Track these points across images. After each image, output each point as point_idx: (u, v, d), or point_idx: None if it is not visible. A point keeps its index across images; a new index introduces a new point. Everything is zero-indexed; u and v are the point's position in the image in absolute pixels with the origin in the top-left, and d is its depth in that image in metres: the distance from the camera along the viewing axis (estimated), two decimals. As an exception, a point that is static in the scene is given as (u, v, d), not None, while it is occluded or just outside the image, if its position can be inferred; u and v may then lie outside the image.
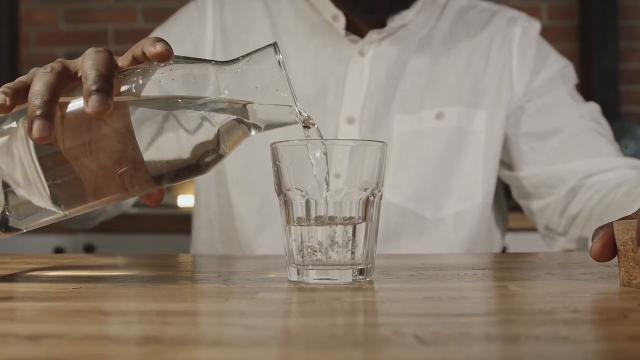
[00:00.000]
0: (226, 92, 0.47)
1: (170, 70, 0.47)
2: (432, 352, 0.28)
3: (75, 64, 0.49)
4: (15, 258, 0.67)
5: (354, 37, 0.92)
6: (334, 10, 0.91)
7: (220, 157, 0.48)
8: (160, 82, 0.46)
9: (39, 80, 0.46)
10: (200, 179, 0.97)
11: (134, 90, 0.46)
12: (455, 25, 0.96)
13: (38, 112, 0.44)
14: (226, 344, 0.30)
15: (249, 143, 0.91)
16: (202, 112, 0.46)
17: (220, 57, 0.92)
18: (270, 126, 0.49)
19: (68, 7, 2.33)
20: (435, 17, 0.96)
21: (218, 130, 0.47)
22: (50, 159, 0.46)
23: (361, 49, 0.91)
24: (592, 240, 0.48)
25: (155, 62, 0.48)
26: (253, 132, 0.49)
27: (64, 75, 0.47)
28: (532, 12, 2.33)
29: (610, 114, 2.29)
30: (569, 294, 0.43)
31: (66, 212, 0.48)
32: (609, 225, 0.48)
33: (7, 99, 0.46)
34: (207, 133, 0.47)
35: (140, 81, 0.47)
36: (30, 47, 2.32)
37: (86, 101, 0.44)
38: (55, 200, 0.47)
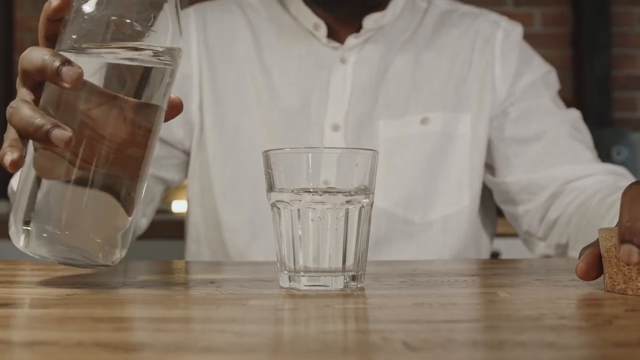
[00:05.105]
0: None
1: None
2: (419, 358, 0.29)
3: (24, 73, 0.50)
4: (10, 264, 0.67)
5: (336, 44, 0.93)
6: (315, 19, 0.92)
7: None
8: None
9: (18, 112, 0.47)
10: (188, 194, 0.98)
11: (78, 39, 0.48)
12: (437, 29, 0.96)
13: (45, 129, 0.45)
14: (217, 350, 0.31)
15: (235, 157, 0.93)
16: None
17: (205, 69, 0.95)
18: None
19: (63, 13, 2.33)
20: (417, 21, 0.97)
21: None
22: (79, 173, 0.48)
23: (342, 56, 0.92)
24: (579, 259, 0.50)
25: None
26: None
27: (31, 89, 0.49)
28: (526, 18, 2.36)
29: (603, 121, 2.31)
30: (557, 300, 0.44)
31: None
32: (595, 244, 0.49)
33: (16, 151, 0.47)
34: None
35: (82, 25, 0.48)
36: (25, 52, 2.32)
37: (59, 81, 0.46)
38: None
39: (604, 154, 2.02)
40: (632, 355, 0.29)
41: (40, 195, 0.48)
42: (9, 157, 0.47)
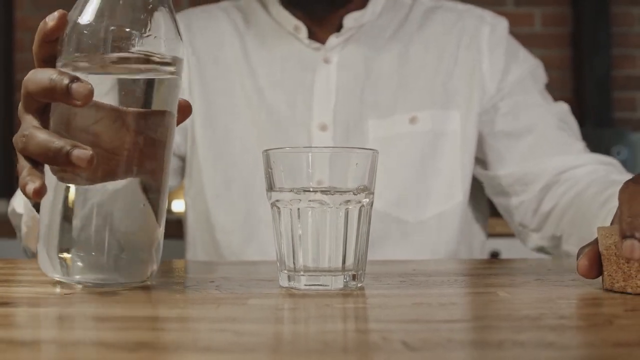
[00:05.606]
0: None
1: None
2: (419, 358, 0.29)
3: (29, 96, 0.49)
4: (8, 263, 0.67)
5: (317, 44, 0.93)
6: (294, 21, 0.93)
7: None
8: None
9: (32, 139, 0.46)
10: (185, 198, 0.98)
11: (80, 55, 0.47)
12: (422, 26, 0.97)
13: (65, 151, 0.45)
14: (217, 350, 0.31)
15: (226, 159, 0.93)
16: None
17: (194, 75, 0.95)
18: None
19: (63, 12, 2.33)
20: (401, 19, 0.97)
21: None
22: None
23: (325, 56, 0.93)
24: (577, 258, 0.49)
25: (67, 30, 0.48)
26: None
27: (36, 114, 0.49)
28: (526, 18, 2.36)
29: (603, 121, 2.31)
30: (557, 300, 0.44)
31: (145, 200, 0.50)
32: (594, 242, 0.49)
33: (37, 179, 0.46)
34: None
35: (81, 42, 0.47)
36: (25, 52, 2.32)
37: (70, 99, 0.45)
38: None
39: (604, 154, 2.02)
40: (631, 355, 0.29)
41: (73, 222, 0.47)
42: (31, 186, 0.46)
